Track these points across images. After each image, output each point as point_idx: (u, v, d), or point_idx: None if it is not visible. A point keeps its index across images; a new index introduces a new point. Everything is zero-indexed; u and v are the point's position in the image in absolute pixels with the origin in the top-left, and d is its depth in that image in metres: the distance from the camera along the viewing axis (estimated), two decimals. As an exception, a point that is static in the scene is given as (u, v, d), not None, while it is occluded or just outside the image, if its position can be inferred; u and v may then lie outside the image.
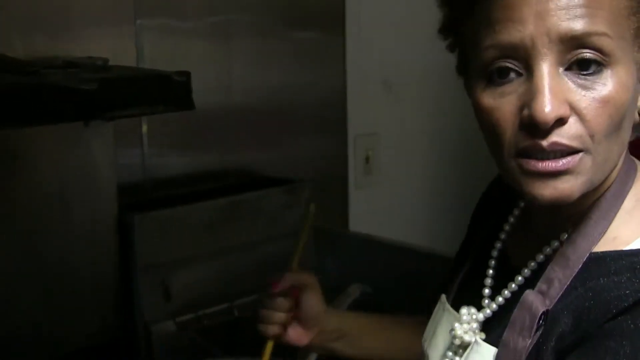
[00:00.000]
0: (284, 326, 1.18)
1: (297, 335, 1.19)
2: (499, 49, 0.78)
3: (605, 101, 0.76)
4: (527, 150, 0.78)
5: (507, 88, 0.79)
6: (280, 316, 1.17)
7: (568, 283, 0.82)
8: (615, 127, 0.78)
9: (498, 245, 0.96)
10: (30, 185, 1.43)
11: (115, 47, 1.54)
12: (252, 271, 1.67)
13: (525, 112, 0.77)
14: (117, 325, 1.53)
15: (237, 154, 1.82)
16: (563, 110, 0.76)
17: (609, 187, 0.85)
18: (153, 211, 1.55)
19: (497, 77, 0.79)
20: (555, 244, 0.87)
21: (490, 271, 0.94)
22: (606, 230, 0.84)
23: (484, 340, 0.88)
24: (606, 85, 0.76)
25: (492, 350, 0.85)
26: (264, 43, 1.83)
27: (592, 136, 0.77)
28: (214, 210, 1.62)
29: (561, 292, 0.82)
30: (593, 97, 0.76)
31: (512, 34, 0.76)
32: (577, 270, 0.82)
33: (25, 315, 1.42)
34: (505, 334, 0.83)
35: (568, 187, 0.78)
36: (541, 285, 0.83)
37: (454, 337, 0.92)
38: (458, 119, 2.23)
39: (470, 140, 2.32)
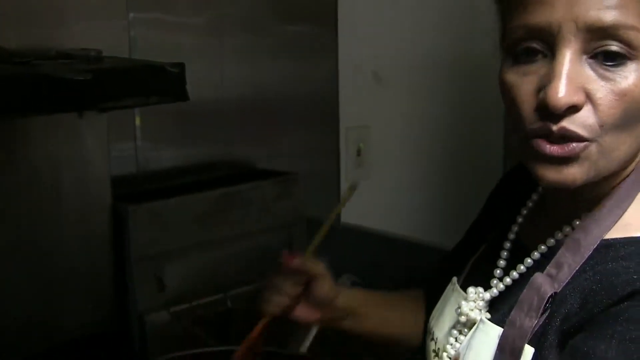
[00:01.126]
0: (285, 308, 1.17)
1: (304, 313, 1.18)
2: (527, 30, 0.78)
3: (623, 94, 0.76)
4: (538, 131, 0.79)
5: (531, 68, 0.79)
6: (284, 300, 1.16)
7: (577, 268, 0.83)
8: (628, 120, 0.78)
9: (515, 229, 0.97)
10: (24, 176, 1.43)
11: (108, 40, 1.53)
12: (245, 262, 1.67)
13: (542, 94, 0.77)
14: (111, 315, 1.53)
15: (230, 147, 1.82)
16: (577, 98, 0.76)
17: (625, 178, 0.85)
18: (147, 202, 1.55)
19: (522, 56, 0.80)
20: (567, 229, 0.87)
21: (505, 253, 0.95)
22: (619, 219, 0.84)
23: (490, 320, 0.89)
24: (627, 78, 0.76)
25: (497, 330, 0.86)
26: (256, 36, 1.83)
27: (601, 126, 0.77)
28: (208, 202, 1.62)
29: (570, 277, 0.83)
30: (611, 89, 0.76)
31: (541, 16, 0.77)
32: (587, 256, 0.83)
33: (19, 305, 1.42)
34: (512, 313, 0.84)
35: (572, 173, 0.79)
36: (550, 269, 0.84)
37: (460, 314, 0.93)
38: (449, 111, 2.25)
39: (461, 132, 2.33)
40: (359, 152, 2.11)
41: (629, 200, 0.85)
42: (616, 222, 0.84)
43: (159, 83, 1.31)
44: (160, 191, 1.61)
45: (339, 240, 1.80)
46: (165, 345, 1.49)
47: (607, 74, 0.76)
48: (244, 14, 1.80)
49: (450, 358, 0.95)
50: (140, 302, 1.53)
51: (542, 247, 0.89)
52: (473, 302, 0.93)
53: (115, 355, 1.46)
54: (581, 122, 0.77)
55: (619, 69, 0.76)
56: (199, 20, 1.73)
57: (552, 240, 0.88)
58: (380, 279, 1.61)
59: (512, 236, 0.96)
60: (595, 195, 0.86)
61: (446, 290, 1.02)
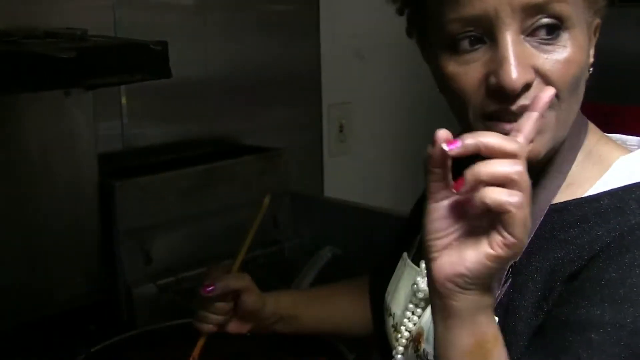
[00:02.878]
0: (219, 324, 1.18)
1: (236, 327, 1.20)
2: (464, 21, 0.78)
3: (567, 61, 0.78)
4: (494, 114, 0.79)
5: (473, 56, 0.79)
6: (217, 318, 1.17)
7: (532, 234, 0.83)
8: (577, 85, 0.80)
9: None
10: (13, 153, 1.43)
11: (94, 20, 1.52)
12: (229, 235, 1.65)
13: (492, 79, 0.77)
14: (99, 287, 1.54)
15: (214, 123, 1.82)
16: (529, 76, 0.77)
17: (563, 142, 0.85)
18: (133, 178, 1.55)
19: (461, 46, 0.79)
20: None
21: None
22: (563, 182, 0.85)
23: None
24: (566, 47, 0.78)
25: None
26: (240, 15, 1.83)
27: (557, 95, 0.78)
28: (192, 177, 1.63)
29: (526, 243, 0.81)
30: (556, 59, 0.78)
31: (476, 7, 0.77)
32: (539, 221, 0.84)
33: (10, 278, 1.43)
34: None
35: (536, 146, 0.79)
36: None
37: (417, 290, 0.94)
38: (427, 88, 2.23)
39: (439, 107, 2.33)
40: (341, 128, 2.11)
41: (568, 162, 0.86)
42: (560, 185, 0.85)
43: (142, 61, 1.30)
44: (146, 167, 1.62)
45: (321, 213, 1.86)
46: (152, 316, 1.50)
47: (547, 47, 0.78)
48: None
49: (409, 332, 0.95)
50: (128, 274, 1.54)
51: None
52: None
53: (104, 325, 1.46)
54: (532, 93, 0.78)
55: (556, 40, 0.78)
56: (183, 0, 1.73)
57: None
58: (361, 251, 1.62)
59: None
60: (538, 162, 0.85)
61: (398, 266, 1.02)
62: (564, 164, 0.85)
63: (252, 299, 1.17)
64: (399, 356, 0.97)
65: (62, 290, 1.50)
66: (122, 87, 1.63)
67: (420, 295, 0.94)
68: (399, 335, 0.97)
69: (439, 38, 0.81)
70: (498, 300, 0.82)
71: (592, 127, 0.90)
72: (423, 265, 0.94)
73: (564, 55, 0.78)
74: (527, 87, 0.77)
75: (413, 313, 0.95)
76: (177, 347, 1.21)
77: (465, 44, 0.79)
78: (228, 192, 1.68)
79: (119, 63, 1.28)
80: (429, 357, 0.90)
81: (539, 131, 0.77)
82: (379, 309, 1.10)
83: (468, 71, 0.79)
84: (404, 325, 0.96)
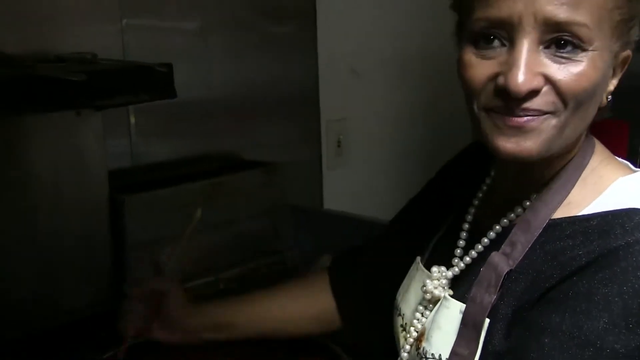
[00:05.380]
0: (144, 327, 1.18)
1: (164, 334, 1.19)
2: (489, 22, 0.81)
3: (579, 74, 0.79)
4: (497, 108, 0.82)
5: (490, 53, 0.82)
6: (135, 319, 1.17)
7: (529, 246, 0.85)
8: (586, 99, 0.81)
9: (472, 210, 0.98)
10: (26, 171, 1.42)
11: (104, 44, 1.53)
12: (234, 246, 1.68)
13: (501, 80, 0.80)
14: (110, 297, 1.53)
15: (218, 140, 1.82)
16: (536, 83, 0.79)
17: (570, 161, 0.87)
18: (141, 193, 1.55)
19: (482, 43, 0.82)
20: (519, 210, 0.90)
21: (464, 234, 0.97)
22: (564, 199, 0.87)
23: (452, 297, 0.91)
24: (580, 62, 0.80)
25: (459, 306, 0.88)
26: (241, 37, 1.83)
27: (565, 102, 0.80)
28: (198, 192, 1.62)
29: (523, 254, 0.85)
30: (569, 70, 0.79)
31: (502, 10, 0.79)
32: (537, 234, 0.85)
33: (24, 289, 1.42)
34: (473, 290, 0.86)
35: (530, 144, 0.81)
36: (505, 247, 0.86)
37: (425, 292, 0.95)
38: (421, 103, 2.25)
39: (432, 122, 2.34)
40: (338, 143, 2.11)
41: (572, 181, 0.87)
42: (562, 202, 0.86)
43: (148, 82, 1.32)
44: (154, 182, 1.61)
45: (321, 224, 1.86)
46: None
47: (562, 59, 0.79)
48: (228, 17, 1.80)
49: (417, 332, 0.96)
50: (137, 284, 1.48)
51: (497, 227, 0.91)
52: (437, 280, 0.95)
53: (113, 334, 1.39)
54: (543, 102, 0.80)
55: (572, 55, 0.79)
56: (187, 24, 1.74)
57: (505, 221, 0.91)
58: None
59: (469, 218, 0.98)
60: (542, 176, 0.88)
61: (411, 269, 1.03)
62: (568, 182, 0.87)
63: (174, 302, 1.18)
64: (405, 354, 0.98)
65: (74, 300, 1.49)
66: (131, 107, 1.64)
67: (428, 296, 0.95)
68: (408, 335, 0.98)
69: (467, 31, 0.84)
70: (493, 304, 0.84)
71: (599, 148, 0.91)
72: (434, 268, 0.96)
73: (578, 69, 0.79)
74: (533, 93, 0.79)
75: (422, 315, 0.96)
76: (183, 354, 1.23)
77: (487, 41, 0.82)
78: (231, 205, 1.68)
79: (127, 85, 1.30)
80: (427, 356, 0.91)
81: (535, 130, 0.80)
82: (356, 306, 1.14)
83: (482, 65, 0.82)
84: (413, 326, 0.97)
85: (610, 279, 0.76)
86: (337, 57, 2.06)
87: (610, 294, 0.76)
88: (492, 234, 0.91)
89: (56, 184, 1.46)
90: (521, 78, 0.78)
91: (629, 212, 0.81)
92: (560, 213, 0.86)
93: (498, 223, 0.91)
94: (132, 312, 1.18)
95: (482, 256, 0.91)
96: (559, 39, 0.79)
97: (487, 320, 0.84)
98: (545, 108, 0.81)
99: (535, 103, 0.80)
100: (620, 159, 0.92)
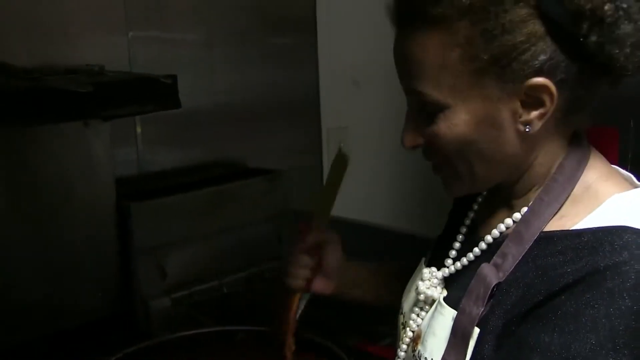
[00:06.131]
0: (308, 280, 1.14)
1: (321, 286, 1.15)
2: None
3: (435, 136, 0.84)
4: None
5: None
6: (305, 272, 1.14)
7: (520, 258, 0.84)
8: (466, 153, 0.84)
9: (471, 215, 0.98)
10: (38, 178, 1.44)
11: (111, 57, 1.56)
12: (238, 251, 1.69)
13: None
14: (118, 300, 1.55)
15: (222, 149, 1.83)
16: (417, 141, 0.87)
17: (559, 172, 0.86)
18: (148, 200, 1.57)
19: None
20: (509, 221, 0.88)
21: (460, 236, 0.96)
22: (557, 212, 0.85)
23: (445, 300, 0.90)
24: (436, 124, 0.83)
25: (452, 313, 0.88)
26: (244, 49, 1.85)
27: (443, 155, 0.85)
28: (202, 198, 1.64)
29: (513, 266, 0.84)
30: (431, 131, 0.84)
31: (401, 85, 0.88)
32: (528, 247, 0.84)
33: (35, 293, 1.44)
34: (463, 301, 0.85)
35: (450, 187, 0.89)
36: (497, 259, 0.85)
37: (418, 293, 0.95)
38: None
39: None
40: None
41: (564, 194, 0.85)
42: (553, 215, 0.85)
43: (153, 93, 1.33)
44: (160, 190, 1.63)
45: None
46: (167, 327, 1.51)
47: (427, 121, 0.84)
48: (232, 29, 1.82)
49: (412, 332, 0.96)
50: (144, 289, 1.55)
51: (488, 237, 0.90)
52: (428, 280, 0.95)
53: (121, 336, 1.45)
54: (428, 154, 0.87)
55: (430, 117, 0.83)
56: (192, 37, 1.76)
57: (495, 232, 0.90)
58: (357, 260, 1.61)
59: (468, 222, 0.97)
60: (526, 192, 0.88)
61: (416, 270, 1.03)
62: (561, 194, 0.86)
63: (336, 254, 1.15)
64: (402, 353, 0.98)
65: (83, 304, 1.51)
66: (137, 117, 1.65)
67: (421, 297, 0.95)
68: (404, 334, 0.98)
69: None
70: (482, 314, 0.83)
71: (596, 162, 0.89)
72: (425, 269, 0.96)
73: (434, 129, 0.84)
74: (419, 147, 0.87)
75: (418, 315, 0.96)
76: (190, 356, 1.23)
77: None
78: (235, 211, 1.69)
79: (133, 96, 1.32)
80: (421, 359, 0.91)
81: (444, 177, 0.89)
82: None
83: None
84: (409, 326, 0.97)
85: (597, 300, 0.75)
86: (337, 67, 2.07)
87: (597, 315, 0.75)
88: (483, 245, 0.91)
89: (65, 191, 1.47)
90: (404, 137, 0.87)
91: (619, 230, 0.79)
92: (553, 226, 0.85)
93: (490, 233, 0.90)
94: (299, 266, 1.14)
95: (478, 260, 0.90)
96: (419, 105, 0.85)
97: (477, 330, 0.83)
98: (434, 161, 0.88)
99: (428, 156, 0.88)
100: (623, 172, 0.90)
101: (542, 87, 0.79)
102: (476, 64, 0.79)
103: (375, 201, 2.21)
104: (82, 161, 1.49)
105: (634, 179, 0.89)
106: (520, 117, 0.82)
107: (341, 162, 1.19)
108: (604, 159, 0.90)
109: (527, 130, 0.82)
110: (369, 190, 2.21)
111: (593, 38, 0.77)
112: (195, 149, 1.78)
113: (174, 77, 1.34)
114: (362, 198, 2.14)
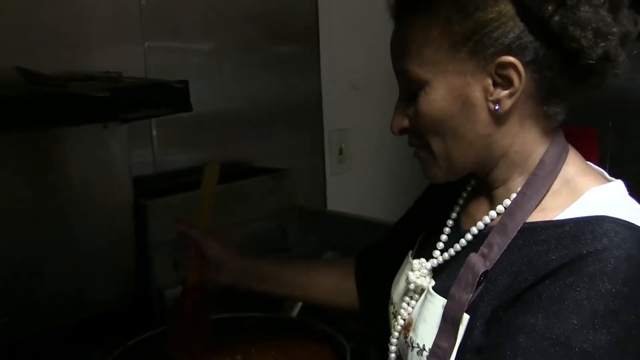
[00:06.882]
0: (196, 270, 1.21)
1: (212, 274, 1.22)
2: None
3: (416, 114, 0.89)
4: None
5: None
6: (185, 262, 1.22)
7: (505, 248, 0.86)
8: (441, 130, 0.88)
9: (457, 209, 1.00)
10: (58, 178, 1.46)
11: (128, 65, 1.57)
12: (245, 244, 1.67)
13: None
14: (135, 291, 1.57)
15: (231, 149, 1.85)
16: (403, 124, 0.91)
17: (540, 167, 0.88)
18: (163, 198, 1.58)
19: None
20: (493, 214, 0.91)
21: (447, 229, 0.98)
22: (538, 204, 0.87)
23: (435, 289, 0.92)
24: (417, 102, 0.88)
25: (442, 301, 0.90)
26: (251, 56, 1.87)
27: (423, 136, 0.90)
28: None
29: (499, 255, 0.86)
30: (414, 110, 0.89)
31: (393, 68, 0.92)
32: (512, 237, 0.86)
33: (59, 285, 1.46)
34: (452, 288, 0.87)
35: (428, 171, 0.92)
36: (483, 249, 0.87)
37: (408, 282, 0.97)
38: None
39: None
40: (340, 151, 2.14)
41: (545, 187, 0.88)
42: (536, 207, 0.87)
43: (167, 97, 1.35)
44: (174, 188, 1.64)
45: (325, 225, 1.88)
46: None
47: (411, 102, 0.89)
48: (239, 39, 1.84)
49: (404, 320, 0.98)
50: (160, 279, 1.56)
51: (474, 229, 0.92)
52: (418, 271, 0.96)
53: (138, 324, 1.46)
54: (413, 136, 0.92)
55: (414, 97, 0.88)
56: (202, 46, 1.79)
57: (480, 224, 0.92)
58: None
59: (454, 215, 0.99)
60: (504, 182, 0.91)
61: (403, 262, 1.05)
62: (542, 187, 0.88)
63: (208, 246, 1.21)
64: (395, 340, 1.00)
65: (103, 294, 1.52)
66: (153, 120, 1.67)
67: (412, 286, 0.97)
68: (396, 322, 0.99)
69: None
70: (471, 301, 0.85)
71: (574, 157, 0.91)
72: (415, 260, 0.98)
73: (416, 108, 0.89)
74: (406, 130, 0.91)
75: (408, 304, 0.98)
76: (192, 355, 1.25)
77: None
78: (243, 208, 1.70)
79: (147, 100, 1.33)
80: (413, 345, 0.93)
81: (424, 160, 0.92)
82: (366, 292, 1.16)
83: None
84: (400, 314, 0.98)
85: (579, 284, 0.77)
86: (338, 73, 2.08)
87: (579, 297, 0.77)
88: (469, 236, 0.93)
89: (85, 190, 1.49)
90: (392, 122, 0.91)
91: (599, 219, 0.82)
92: (536, 217, 0.87)
93: (476, 225, 0.92)
94: (183, 260, 1.22)
95: (464, 252, 0.92)
96: (405, 85, 0.89)
97: (467, 317, 0.85)
98: (416, 142, 0.92)
99: (410, 137, 0.92)
100: (596, 168, 0.93)
101: (510, 65, 0.84)
102: (453, 38, 0.85)
103: (373, 198, 2.22)
104: (101, 162, 1.51)
105: (606, 173, 0.93)
106: (491, 95, 0.86)
107: (213, 171, 1.24)
108: (580, 155, 0.93)
109: (497, 108, 0.86)
110: (367, 188, 2.23)
111: (556, 18, 0.81)
112: (206, 150, 1.79)
113: (186, 83, 1.36)
114: (360, 195, 2.19)
